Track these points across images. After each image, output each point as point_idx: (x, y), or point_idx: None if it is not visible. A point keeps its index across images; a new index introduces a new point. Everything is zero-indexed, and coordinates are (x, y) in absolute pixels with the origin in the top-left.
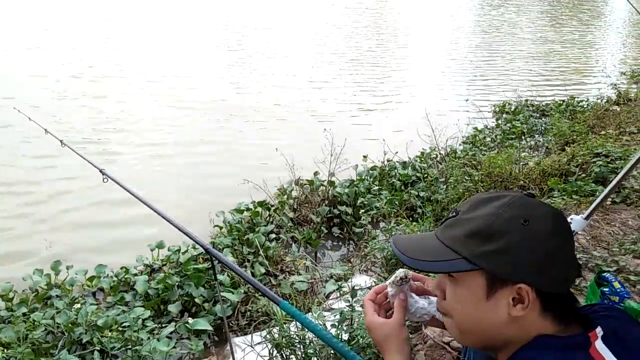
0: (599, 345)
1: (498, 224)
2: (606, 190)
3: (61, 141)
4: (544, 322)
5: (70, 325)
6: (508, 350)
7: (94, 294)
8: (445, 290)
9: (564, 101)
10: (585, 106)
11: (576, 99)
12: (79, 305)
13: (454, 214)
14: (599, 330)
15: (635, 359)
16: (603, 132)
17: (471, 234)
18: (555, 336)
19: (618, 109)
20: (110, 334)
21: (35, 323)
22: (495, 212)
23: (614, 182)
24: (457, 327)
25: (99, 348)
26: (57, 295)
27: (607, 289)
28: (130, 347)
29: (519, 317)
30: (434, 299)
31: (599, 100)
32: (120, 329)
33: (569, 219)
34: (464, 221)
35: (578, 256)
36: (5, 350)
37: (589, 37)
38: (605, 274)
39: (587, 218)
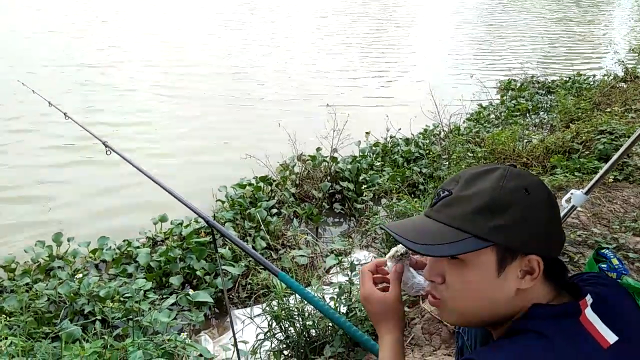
0: (589, 312)
1: (503, 196)
2: (607, 165)
3: (65, 113)
4: (543, 290)
5: (72, 295)
6: (505, 324)
7: (96, 265)
8: (443, 274)
9: (570, 78)
10: (591, 83)
11: (582, 76)
12: (81, 276)
13: (447, 193)
14: (588, 298)
15: (624, 325)
16: (608, 109)
17: (478, 209)
18: (549, 305)
19: (625, 86)
20: (112, 304)
21: (38, 293)
22: (496, 185)
23: (614, 157)
24: (458, 310)
25: (100, 318)
26: (59, 267)
27: (605, 266)
28: (131, 317)
29: (523, 289)
30: None
31: (606, 77)
32: (121, 299)
33: (569, 194)
34: (465, 198)
35: (579, 233)
36: (8, 319)
37: (607, 16)
38: (604, 250)
39: (587, 193)
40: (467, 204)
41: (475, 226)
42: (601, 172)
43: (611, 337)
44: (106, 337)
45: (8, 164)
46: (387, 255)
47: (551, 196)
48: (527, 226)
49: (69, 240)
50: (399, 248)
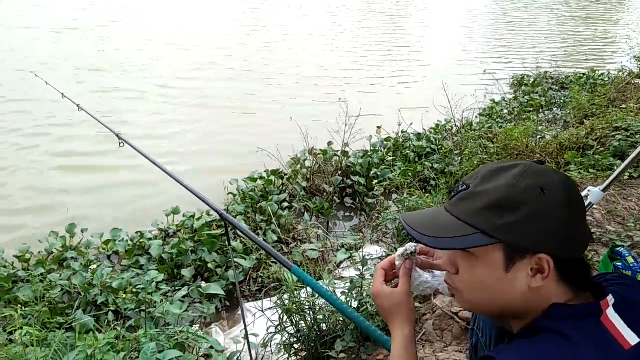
0: (610, 312)
1: (516, 194)
2: (625, 163)
3: (78, 105)
4: (559, 290)
5: (86, 286)
6: (523, 320)
7: (109, 257)
8: (457, 265)
9: (584, 74)
10: (606, 79)
11: (597, 72)
12: (94, 267)
13: (464, 187)
14: (610, 298)
15: None
16: (624, 106)
17: (489, 206)
18: (568, 305)
19: None
20: (124, 295)
21: (52, 283)
22: (511, 183)
23: (633, 155)
24: (471, 301)
25: (113, 309)
26: (72, 258)
27: (620, 264)
28: (143, 308)
29: (536, 288)
30: (437, 273)
31: (621, 74)
32: (134, 291)
33: (586, 191)
34: (479, 194)
35: (592, 230)
36: (23, 308)
37: (623, 14)
38: (619, 248)
39: (604, 190)
40: (479, 200)
41: (483, 222)
42: (619, 169)
43: (633, 339)
44: (119, 328)
45: (21, 155)
46: (396, 254)
47: (573, 196)
48: (537, 225)
49: (82, 231)
50: (408, 247)
